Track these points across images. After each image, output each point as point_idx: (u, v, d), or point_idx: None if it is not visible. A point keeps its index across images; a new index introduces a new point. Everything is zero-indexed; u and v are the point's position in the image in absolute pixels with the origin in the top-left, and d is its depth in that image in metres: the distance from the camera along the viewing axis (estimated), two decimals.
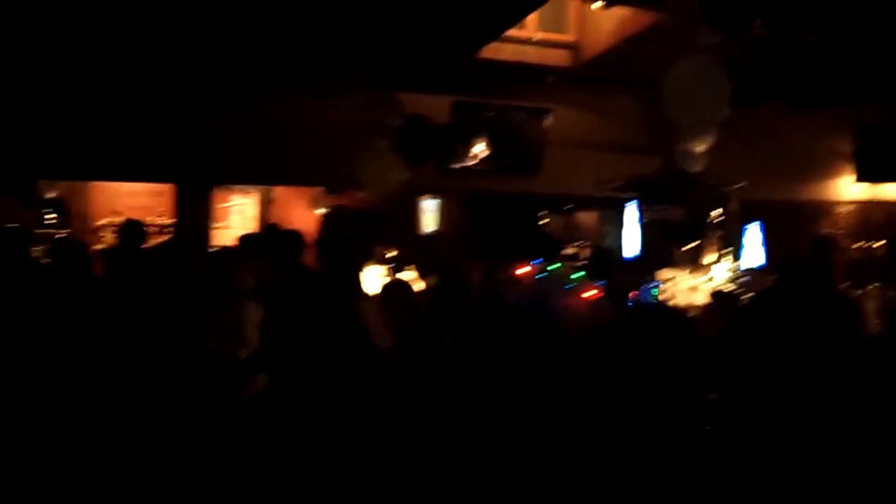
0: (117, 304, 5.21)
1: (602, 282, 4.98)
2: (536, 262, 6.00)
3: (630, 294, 4.87)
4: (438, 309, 6.07)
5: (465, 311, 6.20)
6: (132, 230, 6.74)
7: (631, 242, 9.14)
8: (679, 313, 5.04)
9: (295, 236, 6.39)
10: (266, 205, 11.61)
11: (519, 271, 6.13)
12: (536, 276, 5.94)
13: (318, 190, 11.41)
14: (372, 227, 9.07)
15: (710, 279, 7.52)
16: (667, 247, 7.81)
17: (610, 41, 8.29)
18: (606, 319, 4.33)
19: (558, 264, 5.94)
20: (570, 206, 10.73)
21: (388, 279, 6.73)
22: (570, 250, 8.88)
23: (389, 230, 9.53)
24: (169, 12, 6.44)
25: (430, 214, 11.25)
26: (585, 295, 4.96)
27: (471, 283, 6.82)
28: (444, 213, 11.03)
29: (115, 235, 10.51)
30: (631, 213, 9.17)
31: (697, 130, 5.65)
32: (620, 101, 9.62)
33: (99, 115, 7.92)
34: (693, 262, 8.01)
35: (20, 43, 7.09)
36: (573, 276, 5.49)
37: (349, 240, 6.65)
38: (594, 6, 7.57)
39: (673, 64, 4.93)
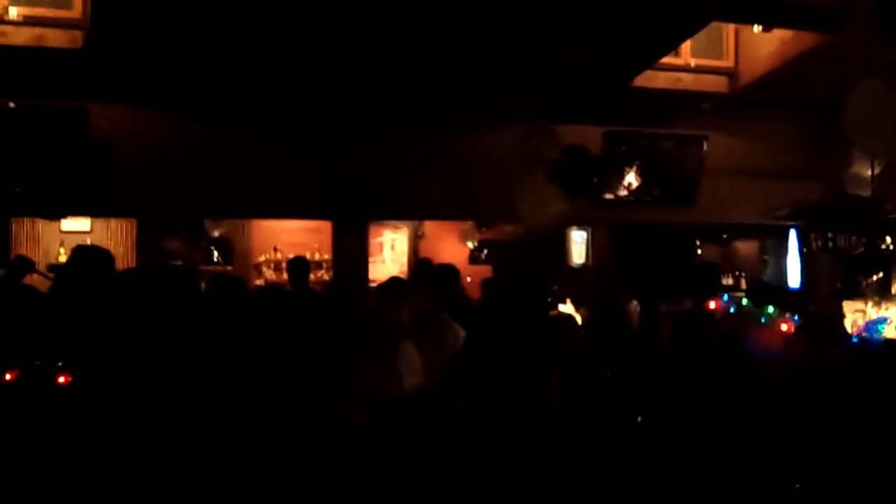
0: (278, 339, 5.31)
1: (797, 317, 4.73)
2: (725, 297, 5.77)
3: (839, 330, 4.51)
4: (598, 341, 5.96)
5: (625, 343, 6.06)
6: (299, 267, 6.96)
7: (794, 272, 8.77)
8: None
9: (452, 270, 6.43)
10: (417, 239, 11.79)
11: (710, 305, 5.90)
12: (726, 312, 5.72)
13: (468, 224, 11.52)
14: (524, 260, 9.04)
15: None
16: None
17: (769, 64, 8.02)
18: (823, 359, 3.97)
19: (747, 300, 5.68)
20: (727, 236, 10.43)
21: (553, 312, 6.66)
22: (728, 281, 8.61)
23: (542, 263, 9.49)
24: (326, 50, 6.62)
25: (579, 246, 11.16)
26: (781, 329, 4.73)
27: (628, 316, 6.69)
28: (594, 245, 10.92)
29: (281, 271, 10.96)
30: (794, 241, 8.82)
31: (876, 154, 5.38)
32: (780, 126, 9.27)
33: (260, 154, 8.20)
34: (880, 293, 7.57)
35: (187, 81, 7.43)
36: (767, 311, 5.26)
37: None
38: (755, 29, 7.35)
39: (857, 84, 4.71)
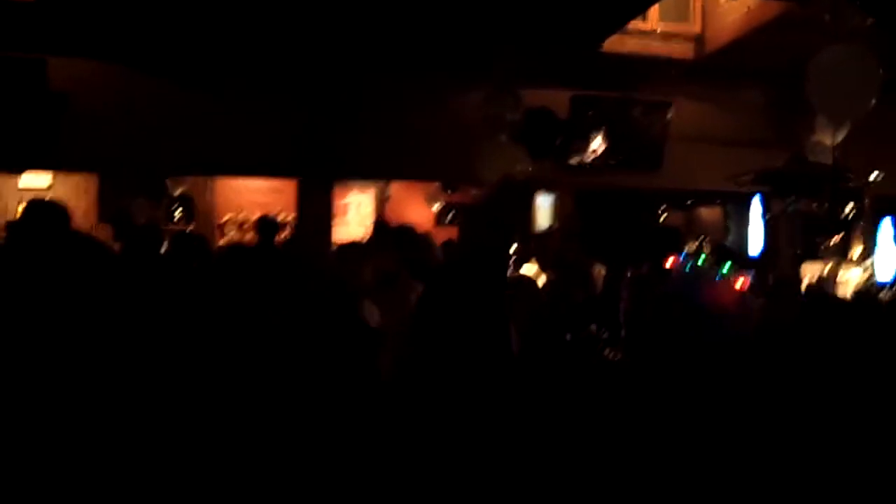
0: (243, 300, 5.28)
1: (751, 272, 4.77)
2: (682, 255, 5.81)
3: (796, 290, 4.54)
4: (560, 305, 5.99)
5: (587, 307, 6.10)
6: (267, 226, 6.91)
7: (756, 238, 8.86)
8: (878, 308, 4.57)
9: (416, 232, 6.43)
10: (382, 201, 11.74)
11: (667, 264, 5.92)
12: (682, 269, 5.76)
13: (434, 186, 11.49)
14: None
15: (867, 272, 7.16)
16: None
17: (736, 32, 8.03)
18: (778, 317, 4.01)
19: (703, 256, 5.73)
20: (691, 202, 10.50)
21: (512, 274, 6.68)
22: (691, 246, 8.68)
23: (506, 226, 9.49)
24: (294, 7, 6.54)
25: (544, 210, 11.17)
26: (736, 287, 4.77)
27: (592, 280, 6.72)
28: (559, 210, 10.94)
29: (244, 231, 10.89)
30: (756, 207, 8.89)
31: (838, 122, 5.42)
32: (746, 94, 9.33)
33: (224, 111, 8.11)
34: (839, 255, 7.68)
35: (147, 40, 7.30)
36: (722, 269, 5.30)
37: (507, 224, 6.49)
38: None
39: (820, 51, 4.72)
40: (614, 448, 3.66)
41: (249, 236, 10.62)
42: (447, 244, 8.57)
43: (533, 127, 6.81)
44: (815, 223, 8.31)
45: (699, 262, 5.70)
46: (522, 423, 3.92)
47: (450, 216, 11.62)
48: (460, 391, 3.75)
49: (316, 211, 8.69)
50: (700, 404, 3.49)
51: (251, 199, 11.19)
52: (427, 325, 4.21)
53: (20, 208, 9.83)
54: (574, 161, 9.42)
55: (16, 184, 9.85)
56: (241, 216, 11.25)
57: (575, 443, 3.81)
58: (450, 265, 4.41)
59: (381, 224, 7.55)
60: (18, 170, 9.17)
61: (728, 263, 5.31)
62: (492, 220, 5.85)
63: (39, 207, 4.86)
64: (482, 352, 3.78)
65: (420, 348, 4.02)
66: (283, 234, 9.77)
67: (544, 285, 6.37)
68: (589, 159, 9.47)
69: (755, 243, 8.83)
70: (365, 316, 5.04)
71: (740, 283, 4.81)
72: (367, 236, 6.29)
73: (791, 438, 3.29)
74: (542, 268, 6.91)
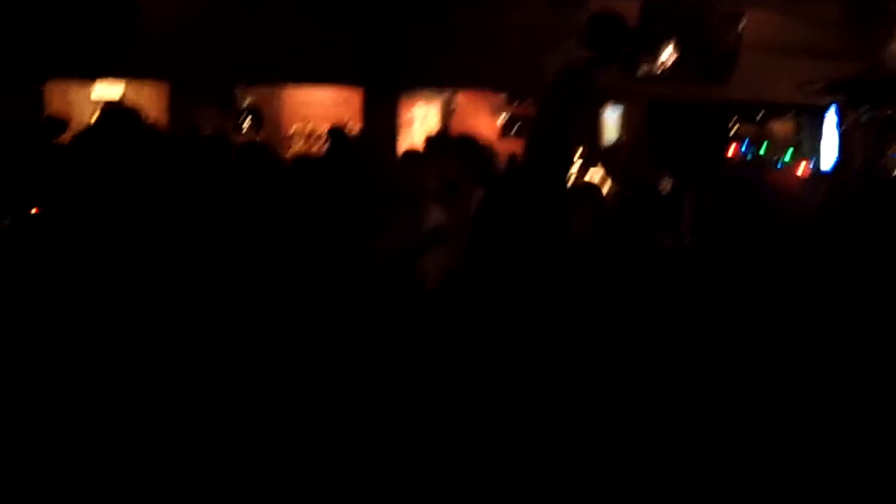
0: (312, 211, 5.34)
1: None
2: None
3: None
4: (625, 216, 5.96)
5: (655, 220, 6.06)
6: (337, 136, 6.97)
7: (830, 150, 8.65)
8: None
9: (477, 141, 6.43)
10: (448, 113, 11.70)
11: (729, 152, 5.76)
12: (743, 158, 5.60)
13: (500, 97, 11.40)
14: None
15: None
16: None
17: None
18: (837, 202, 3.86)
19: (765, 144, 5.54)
20: (763, 115, 10.25)
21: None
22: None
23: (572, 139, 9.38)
24: None
25: (612, 123, 11.04)
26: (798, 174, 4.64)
27: (659, 194, 6.66)
28: (627, 122, 10.79)
29: (311, 142, 10.99)
30: (831, 118, 8.66)
31: None
32: (820, 3, 9.00)
33: (293, 19, 8.11)
34: None
35: None
36: (784, 157, 5.14)
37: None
38: None
39: None
40: (683, 345, 3.66)
41: (316, 148, 10.71)
42: (511, 157, 8.56)
43: (600, 33, 6.66)
44: (890, 132, 8.07)
45: (761, 151, 5.58)
46: (577, 330, 3.95)
47: (516, 128, 11.54)
48: (514, 295, 3.80)
49: (382, 122, 8.71)
50: (765, 291, 3.45)
51: (318, 110, 11.25)
52: (485, 229, 4.25)
53: (94, 117, 10.07)
54: (643, 71, 9.25)
55: (89, 95, 10.06)
56: (308, 127, 11.33)
57: (642, 343, 3.81)
58: (511, 171, 4.42)
59: (443, 133, 7.57)
60: (91, 78, 9.35)
61: (790, 150, 5.16)
62: (554, 120, 5.77)
63: (114, 113, 4.98)
64: (537, 256, 3.81)
65: (478, 252, 4.07)
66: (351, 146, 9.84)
67: (608, 194, 6.35)
68: (658, 70, 9.28)
69: (829, 155, 8.63)
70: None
71: (801, 169, 4.70)
72: (430, 144, 6.30)
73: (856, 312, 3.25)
74: (609, 178, 6.87)
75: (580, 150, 7.30)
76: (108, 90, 10.01)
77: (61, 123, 6.68)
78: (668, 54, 9.23)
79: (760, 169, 4.96)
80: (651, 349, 3.71)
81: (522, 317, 3.85)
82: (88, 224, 3.67)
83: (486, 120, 11.57)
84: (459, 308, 4.21)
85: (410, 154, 6.23)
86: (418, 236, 5.15)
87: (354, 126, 10.59)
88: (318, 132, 10.60)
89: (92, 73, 8.64)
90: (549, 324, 3.90)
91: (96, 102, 9.94)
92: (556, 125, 5.01)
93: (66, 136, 6.68)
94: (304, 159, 7.53)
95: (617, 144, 10.16)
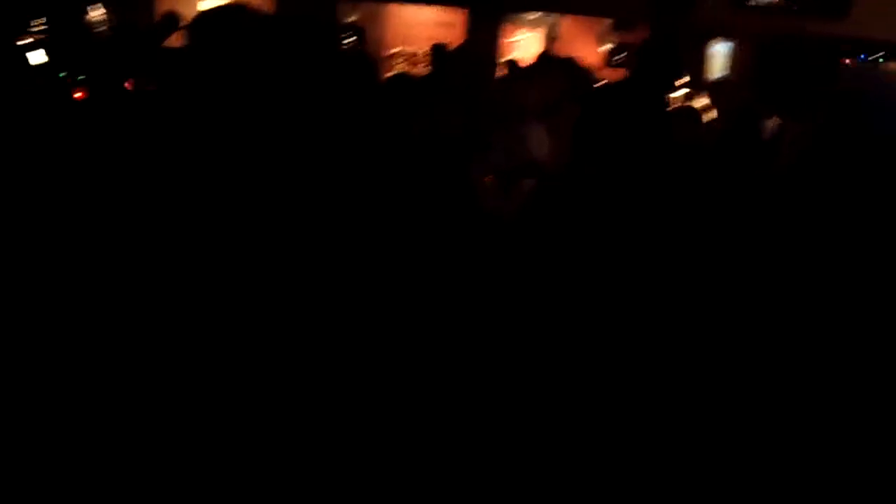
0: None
1: None
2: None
3: None
4: (728, 152, 5.87)
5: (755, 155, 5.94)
6: (440, 53, 7.00)
7: None
8: None
9: (579, 64, 6.37)
10: (551, 40, 11.55)
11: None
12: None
13: (605, 24, 11.20)
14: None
15: None
16: None
17: None
18: None
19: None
20: (882, 54, 9.84)
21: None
22: None
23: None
24: None
25: (720, 58, 10.75)
26: None
27: (764, 132, 6.52)
28: (735, 57, 10.49)
29: (412, 64, 11.00)
30: None
31: None
32: None
33: None
34: None
35: None
36: None
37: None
38: None
39: None
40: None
41: (417, 70, 10.73)
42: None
43: None
44: None
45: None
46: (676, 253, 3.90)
47: (620, 57, 11.33)
48: (612, 213, 3.77)
49: (484, 46, 8.67)
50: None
51: (420, 32, 11.22)
52: (582, 147, 4.24)
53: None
54: (753, 3, 8.96)
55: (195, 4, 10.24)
56: (410, 49, 11.34)
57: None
58: (609, 89, 4.36)
59: (546, 54, 7.50)
60: None
61: None
62: (660, 46, 5.66)
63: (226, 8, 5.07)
64: (635, 169, 3.77)
65: (579, 161, 4.06)
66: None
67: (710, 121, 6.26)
68: (769, 1, 8.99)
69: None
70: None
71: None
72: (533, 65, 6.27)
73: None
74: (713, 107, 6.76)
75: (685, 78, 7.17)
76: None
77: (177, 19, 6.72)
78: None
79: (877, 73, 4.71)
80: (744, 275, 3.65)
81: (621, 235, 3.80)
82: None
83: (590, 48, 11.39)
84: (550, 231, 4.22)
85: (513, 74, 6.23)
86: (522, 155, 5.17)
87: (457, 47, 10.59)
88: (420, 55, 10.61)
89: None
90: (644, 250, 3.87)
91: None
92: (662, 51, 4.93)
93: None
94: (404, 76, 7.56)
95: (724, 78, 9.92)
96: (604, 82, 5.79)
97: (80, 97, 5.56)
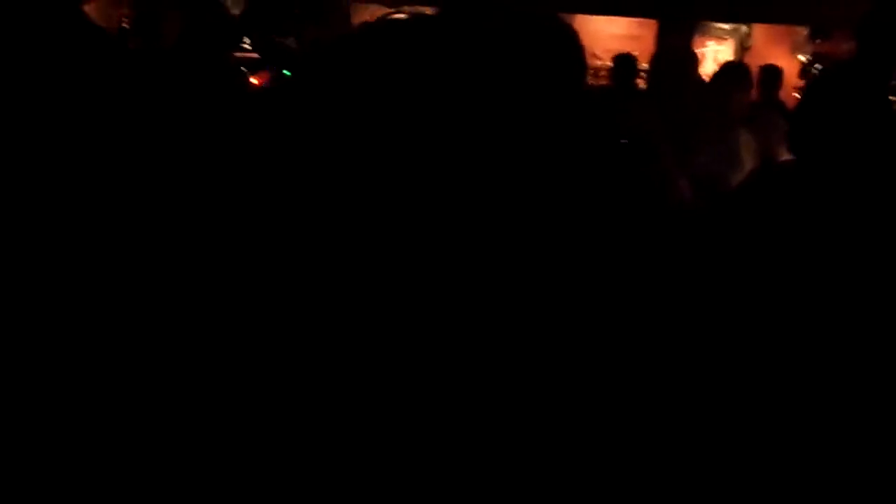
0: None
1: None
2: None
3: None
4: None
5: None
6: (626, 63, 7.02)
7: None
8: None
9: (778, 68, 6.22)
10: (742, 50, 11.31)
11: None
12: None
13: (801, 34, 10.84)
14: None
15: None
16: None
17: None
18: None
19: None
20: None
21: None
22: None
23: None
24: None
25: None
26: None
27: None
28: None
29: (599, 79, 10.99)
30: None
31: None
32: None
33: None
34: None
35: None
36: None
37: None
38: None
39: None
40: None
41: (601, 82, 10.71)
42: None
43: None
44: None
45: None
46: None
47: (816, 68, 10.94)
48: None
49: (675, 53, 8.57)
50: None
51: (607, 45, 11.18)
52: (801, 145, 4.11)
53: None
54: None
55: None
56: (597, 63, 11.32)
57: None
58: (828, 77, 4.22)
59: (741, 63, 7.39)
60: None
61: None
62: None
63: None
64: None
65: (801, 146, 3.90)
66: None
67: None
68: None
69: None
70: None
71: None
72: (730, 73, 6.19)
73: None
74: None
75: None
76: None
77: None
78: None
79: None
80: None
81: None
82: None
83: (784, 59, 11.06)
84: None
85: (720, 73, 6.21)
86: (734, 160, 5.11)
87: (642, 62, 10.50)
88: (607, 68, 10.59)
89: None
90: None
91: None
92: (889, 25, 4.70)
93: None
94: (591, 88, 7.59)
95: None
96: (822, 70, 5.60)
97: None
